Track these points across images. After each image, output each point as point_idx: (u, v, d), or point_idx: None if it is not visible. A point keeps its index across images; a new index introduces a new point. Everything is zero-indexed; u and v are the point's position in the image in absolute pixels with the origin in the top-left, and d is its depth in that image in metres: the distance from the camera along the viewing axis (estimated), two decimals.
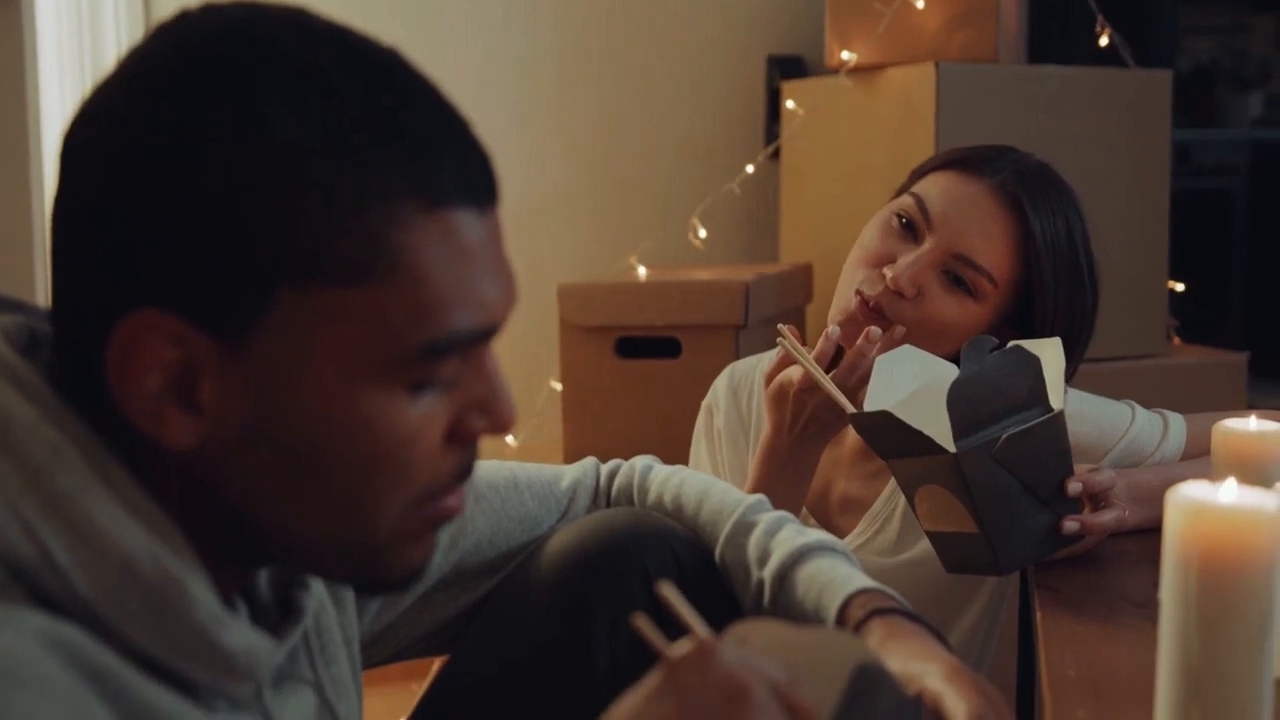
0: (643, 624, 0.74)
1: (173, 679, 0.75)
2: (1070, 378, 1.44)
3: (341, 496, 0.76)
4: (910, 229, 1.46)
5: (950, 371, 1.29)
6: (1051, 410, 1.26)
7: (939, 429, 1.21)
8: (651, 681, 0.73)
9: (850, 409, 1.32)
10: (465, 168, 0.76)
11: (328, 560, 0.80)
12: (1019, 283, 1.45)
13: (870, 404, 1.27)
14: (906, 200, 1.47)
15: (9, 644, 0.66)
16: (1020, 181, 1.45)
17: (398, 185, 0.72)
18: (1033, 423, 1.24)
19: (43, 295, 2.05)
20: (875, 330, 1.38)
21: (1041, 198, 1.45)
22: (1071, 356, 1.42)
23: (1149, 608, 1.17)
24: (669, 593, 0.75)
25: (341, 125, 0.72)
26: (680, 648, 0.72)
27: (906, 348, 1.33)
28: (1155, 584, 1.21)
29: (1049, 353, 1.28)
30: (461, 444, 0.79)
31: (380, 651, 1.10)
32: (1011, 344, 1.27)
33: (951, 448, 1.21)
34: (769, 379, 1.43)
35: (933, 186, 1.47)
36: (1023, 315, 1.46)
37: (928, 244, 1.44)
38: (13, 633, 0.67)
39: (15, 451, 0.72)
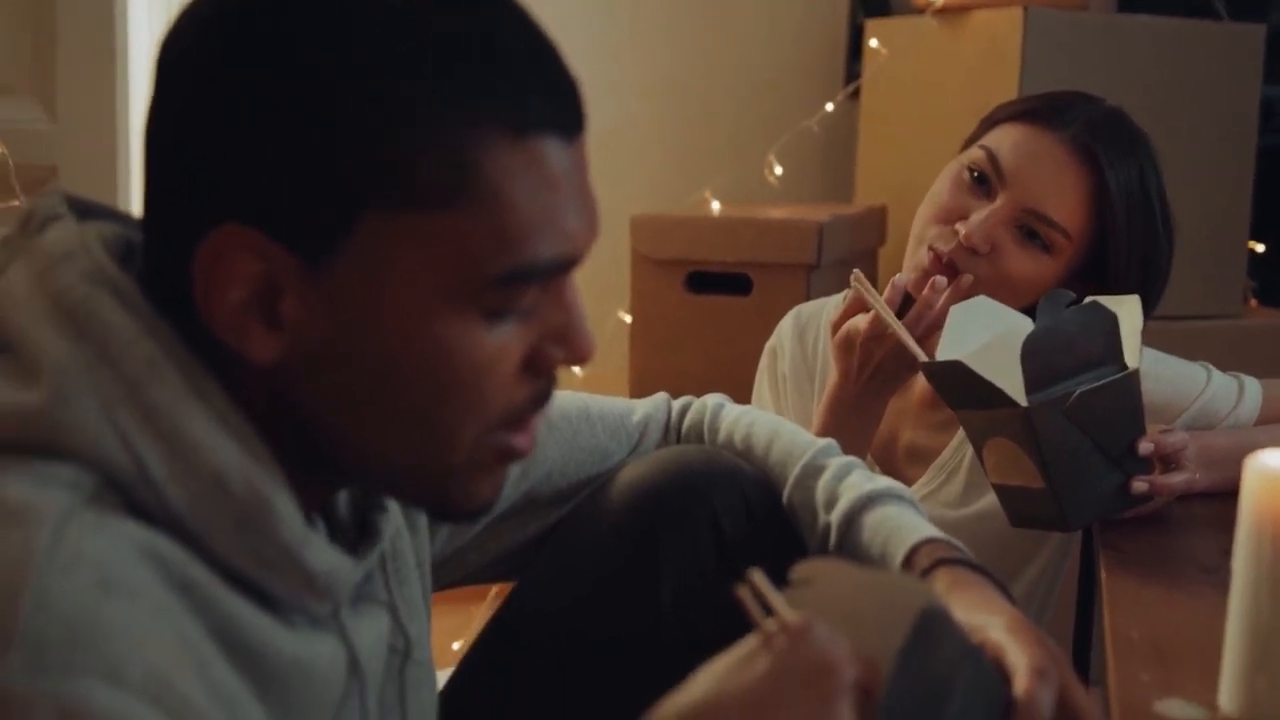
0: (745, 595, 0.75)
1: (256, 593, 0.76)
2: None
3: (416, 419, 0.76)
4: (982, 183, 1.45)
5: (1024, 324, 1.28)
6: (1126, 368, 1.25)
7: (1011, 382, 1.20)
8: (745, 648, 0.75)
9: (923, 357, 1.32)
10: (554, 96, 0.75)
11: (400, 483, 0.81)
12: (1093, 236, 1.44)
13: (943, 353, 1.27)
14: (977, 153, 1.46)
15: (106, 551, 0.68)
16: (1093, 133, 1.43)
17: (486, 109, 0.72)
18: (1107, 380, 1.23)
19: (126, 204, 2.08)
20: (941, 279, 1.37)
21: (1115, 149, 1.43)
22: (1145, 309, 1.41)
23: (1217, 574, 1.16)
24: (759, 580, 0.76)
25: (432, 45, 0.72)
26: (775, 622, 0.74)
27: (981, 299, 1.32)
28: (1224, 550, 1.20)
29: (1126, 310, 1.27)
30: (538, 374, 0.79)
31: (449, 575, 1.11)
32: (1089, 300, 1.26)
33: (1023, 401, 1.20)
34: (835, 326, 1.43)
35: (1005, 139, 1.45)
36: (1096, 268, 1.45)
37: (1001, 199, 1.43)
38: (109, 540, 0.68)
39: (115, 363, 0.73)
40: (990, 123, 1.50)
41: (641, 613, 1.07)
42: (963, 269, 1.41)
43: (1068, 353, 1.23)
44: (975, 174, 1.45)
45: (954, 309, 1.30)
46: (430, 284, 0.73)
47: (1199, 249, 2.34)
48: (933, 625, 0.78)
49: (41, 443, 0.71)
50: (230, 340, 0.74)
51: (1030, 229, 1.42)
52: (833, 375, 1.44)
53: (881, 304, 1.38)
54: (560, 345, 0.79)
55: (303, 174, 0.71)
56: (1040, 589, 1.53)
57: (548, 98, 0.75)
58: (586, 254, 0.79)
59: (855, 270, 1.42)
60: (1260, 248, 2.55)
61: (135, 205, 2.33)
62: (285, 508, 0.76)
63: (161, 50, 0.76)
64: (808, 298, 1.95)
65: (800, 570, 0.82)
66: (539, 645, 1.11)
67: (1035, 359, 1.20)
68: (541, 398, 0.81)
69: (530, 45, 0.76)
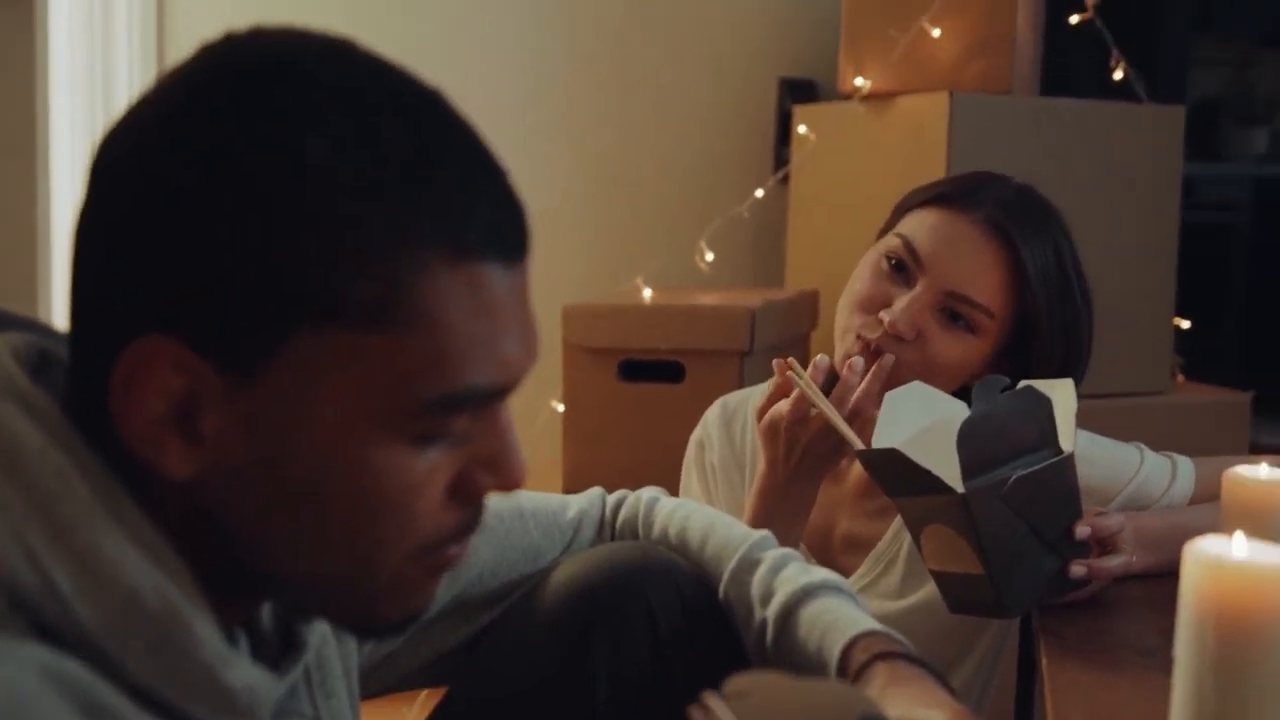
0: (696, 715, 0.75)
1: (170, 715, 0.73)
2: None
3: (341, 540, 0.74)
4: (901, 270, 1.46)
5: (959, 410, 1.28)
6: (1061, 452, 1.25)
7: (948, 468, 1.20)
8: None
9: (856, 441, 1.31)
10: (497, 219, 0.74)
11: (324, 601, 0.79)
12: (1015, 313, 1.45)
13: (878, 440, 1.26)
14: (894, 241, 1.47)
15: (11, 677, 0.65)
16: (1005, 211, 1.45)
17: (426, 231, 0.71)
18: (1042, 465, 1.24)
19: (45, 307, 2.04)
20: (858, 360, 1.38)
21: (1029, 225, 1.45)
22: (1076, 377, 1.43)
23: (1154, 656, 1.16)
24: (714, 703, 0.75)
25: (375, 164, 0.70)
26: None
27: (915, 384, 1.33)
28: (1160, 631, 1.20)
29: (1060, 394, 1.28)
30: (466, 500, 0.78)
31: (379, 681, 1.08)
32: (1023, 384, 1.26)
33: (960, 487, 1.20)
34: (760, 413, 1.43)
35: (919, 225, 1.47)
36: (1020, 345, 1.46)
37: (921, 285, 1.44)
38: (14, 665, 0.66)
39: (22, 477, 0.70)
40: (903, 209, 1.52)
41: (577, 713, 1.05)
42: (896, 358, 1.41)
43: (1003, 438, 1.23)
44: (893, 261, 1.46)
45: (888, 396, 1.30)
46: (357, 406, 0.71)
47: (1126, 327, 2.36)
48: None
49: None
50: (145, 453, 0.71)
51: (953, 311, 1.43)
52: (761, 463, 1.43)
53: (812, 388, 1.38)
54: (490, 472, 0.77)
55: (232, 288, 0.69)
56: (980, 677, 1.52)
57: (490, 222, 0.73)
58: (523, 380, 0.77)
59: (783, 358, 1.42)
60: (1186, 324, 2.58)
61: (55, 308, 2.30)
62: (203, 626, 0.73)
63: (98, 153, 0.74)
64: (741, 384, 1.95)
65: (735, 683, 0.81)
66: None
67: (971, 445, 1.20)
68: (469, 526, 0.79)
69: (475, 166, 0.75)
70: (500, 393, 0.76)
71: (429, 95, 0.75)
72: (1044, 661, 1.17)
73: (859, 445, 1.31)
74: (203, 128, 0.70)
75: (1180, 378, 2.61)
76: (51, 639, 0.69)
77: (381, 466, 0.72)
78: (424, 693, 2.38)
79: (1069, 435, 1.26)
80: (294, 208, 0.69)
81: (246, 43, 0.74)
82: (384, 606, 0.78)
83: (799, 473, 1.41)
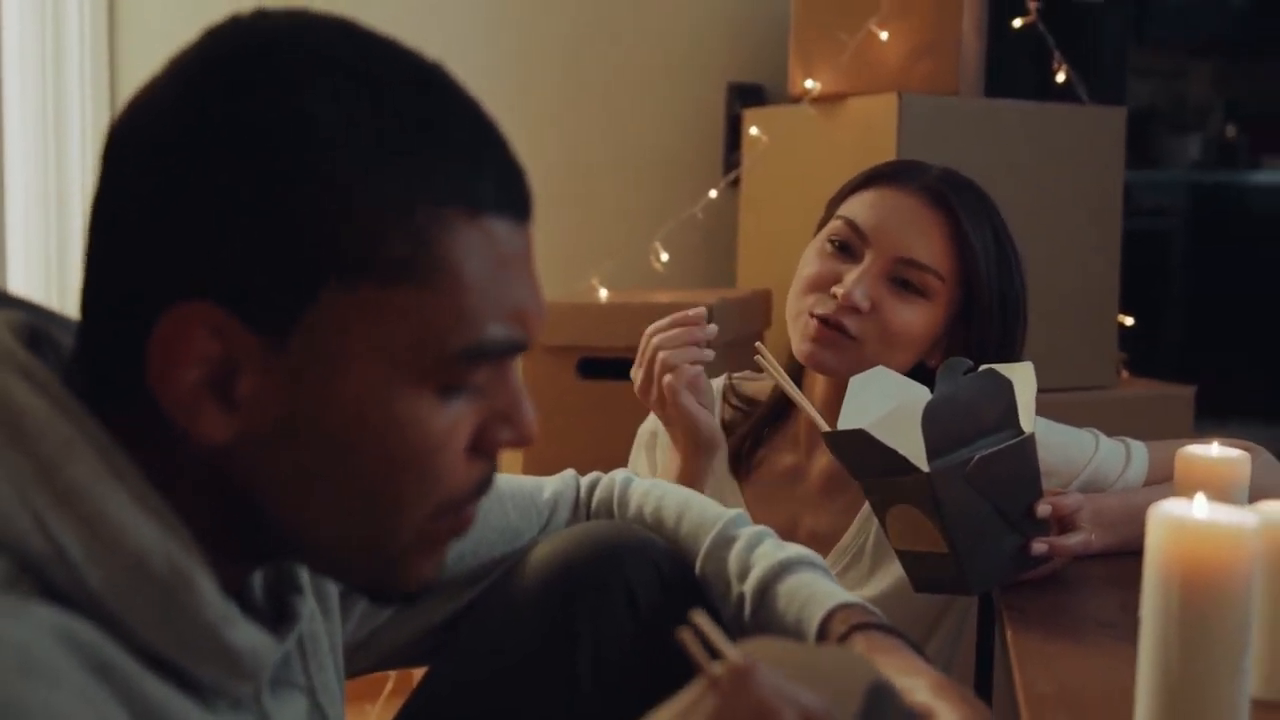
0: (688, 638, 0.75)
1: (177, 676, 0.75)
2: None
3: (367, 497, 0.76)
4: (846, 250, 1.49)
5: (921, 393, 1.31)
6: (1022, 433, 1.28)
7: (913, 449, 1.23)
8: (689, 695, 0.75)
9: (825, 427, 1.34)
10: (505, 179, 0.77)
11: (344, 562, 0.81)
12: (961, 278, 1.48)
13: (844, 423, 1.29)
14: (835, 224, 1.50)
15: (23, 637, 0.66)
16: (942, 182, 1.49)
17: (444, 189, 0.74)
18: (1004, 445, 1.27)
19: (12, 287, 2.02)
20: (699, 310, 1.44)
21: (966, 196, 1.49)
22: (1011, 353, 1.48)
23: (1116, 628, 1.19)
24: (701, 620, 0.77)
25: (391, 128, 0.73)
26: (720, 666, 0.74)
27: (879, 369, 1.35)
28: (1120, 605, 1.24)
29: (1020, 376, 1.31)
30: (484, 455, 0.80)
31: (362, 659, 1.10)
32: (984, 367, 1.29)
33: (925, 467, 1.23)
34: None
35: (859, 205, 1.50)
36: (964, 312, 1.49)
37: (868, 258, 1.47)
38: (26, 626, 0.67)
39: (28, 444, 0.72)
40: (837, 201, 1.55)
41: (560, 687, 1.07)
42: (853, 330, 1.45)
43: (966, 419, 1.26)
44: (837, 243, 1.49)
45: (853, 380, 1.32)
46: (387, 358, 0.74)
47: (1072, 324, 2.41)
48: (883, 696, 0.81)
49: None
50: (181, 420, 0.73)
51: (903, 279, 1.46)
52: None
53: (781, 374, 1.41)
54: (506, 426, 0.80)
55: (264, 252, 0.71)
56: (939, 661, 1.55)
57: (500, 181, 0.77)
58: (535, 341, 0.80)
59: (758, 344, 1.45)
60: (1129, 321, 2.64)
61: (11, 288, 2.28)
62: (207, 587, 0.75)
63: (112, 134, 0.76)
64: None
65: (742, 647, 0.83)
66: None
67: (935, 426, 1.23)
68: (487, 481, 0.82)
69: (482, 130, 0.78)
70: (517, 347, 0.78)
71: (432, 66, 0.78)
72: (1008, 634, 1.19)
73: (825, 427, 1.34)
74: (221, 100, 0.72)
75: (1125, 373, 2.66)
76: (60, 600, 0.70)
77: (409, 419, 0.75)
78: (388, 687, 2.40)
79: (1029, 417, 1.29)
80: (316, 172, 0.71)
81: (254, 21, 0.76)
82: (401, 569, 0.80)
83: (687, 449, 1.46)
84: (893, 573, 1.48)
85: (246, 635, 0.77)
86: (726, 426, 1.60)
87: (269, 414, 0.74)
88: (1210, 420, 2.70)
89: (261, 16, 0.76)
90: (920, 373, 1.43)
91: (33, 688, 0.64)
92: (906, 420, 1.26)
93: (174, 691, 0.74)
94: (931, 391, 1.28)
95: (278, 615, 0.88)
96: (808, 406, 1.38)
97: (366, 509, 0.77)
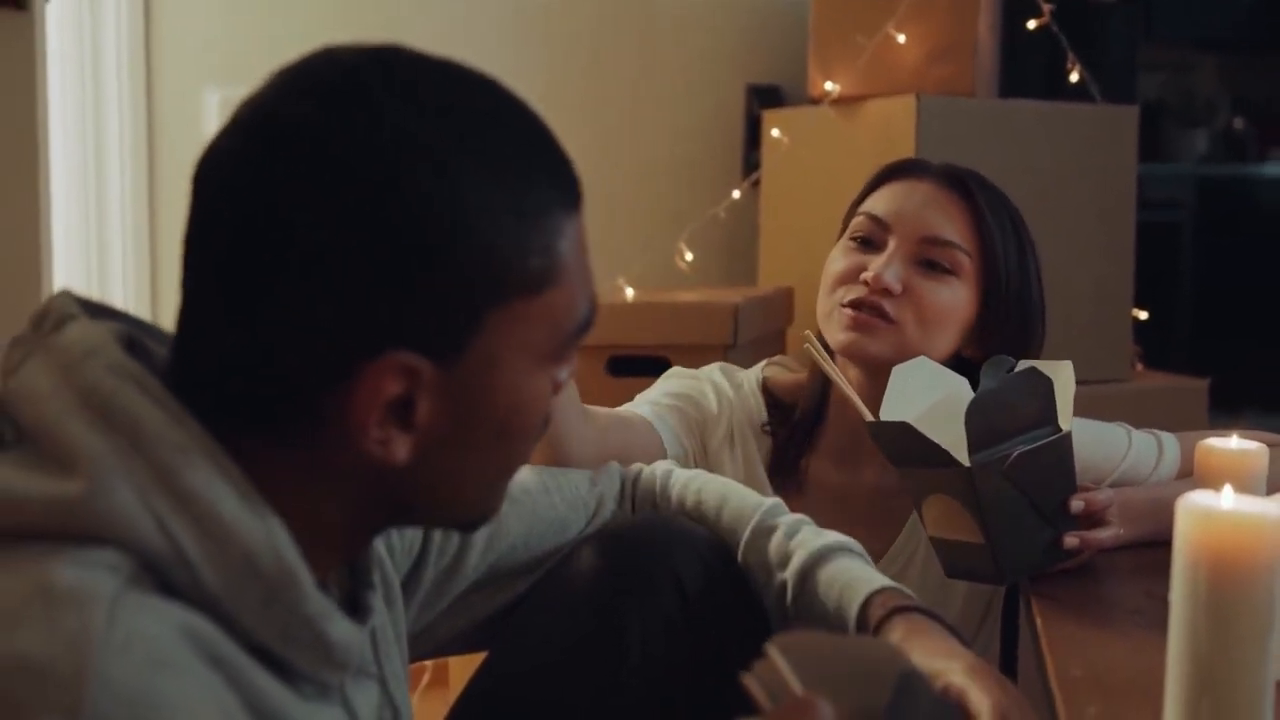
0: (751, 682, 0.80)
1: (277, 666, 0.80)
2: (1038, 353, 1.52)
3: (505, 458, 0.87)
4: (870, 244, 1.51)
5: (959, 383, 1.35)
6: (1060, 430, 1.32)
7: (954, 442, 1.27)
8: None
9: (869, 416, 1.38)
10: (569, 172, 0.85)
11: (463, 512, 0.89)
12: (983, 255, 1.50)
13: (886, 413, 1.34)
14: (856, 221, 1.53)
15: (154, 630, 0.71)
16: (956, 170, 1.53)
17: (553, 197, 0.82)
18: (1042, 442, 1.30)
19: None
20: None
21: (980, 181, 1.53)
22: (1029, 342, 1.51)
23: (1144, 615, 1.23)
24: (775, 654, 0.81)
25: (506, 150, 0.80)
26: (782, 710, 0.77)
27: (920, 359, 1.39)
28: (1146, 593, 1.28)
29: (1061, 375, 1.35)
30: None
31: (420, 648, 1.15)
32: (1026, 364, 1.33)
33: (966, 461, 1.26)
34: None
35: (877, 201, 1.53)
36: (987, 296, 1.51)
37: (893, 243, 1.49)
38: (155, 620, 0.72)
39: (146, 451, 0.76)
40: (855, 205, 1.58)
41: (609, 676, 1.12)
42: (892, 314, 1.46)
43: (1007, 415, 1.29)
44: (860, 238, 1.52)
45: (896, 370, 1.36)
46: (531, 351, 0.82)
47: (1088, 318, 2.45)
48: (912, 685, 0.84)
49: (82, 529, 0.74)
50: (375, 452, 0.79)
51: (930, 260, 1.48)
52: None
53: (831, 366, 1.44)
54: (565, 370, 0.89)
55: (440, 296, 0.78)
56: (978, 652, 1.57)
57: (569, 176, 0.84)
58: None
59: (807, 332, 1.48)
60: (1144, 315, 2.67)
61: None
62: (308, 583, 0.80)
63: (210, 185, 0.79)
64: None
65: (780, 640, 0.86)
66: (515, 713, 1.14)
67: (977, 421, 1.27)
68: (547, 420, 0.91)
69: (544, 130, 0.85)
70: (594, 319, 0.88)
71: (496, 82, 0.84)
72: (1039, 621, 1.23)
73: (869, 417, 1.38)
74: (367, 179, 0.76)
75: (1140, 366, 2.69)
76: (176, 597, 0.75)
77: (540, 393, 0.85)
78: (424, 680, 2.44)
79: (1067, 414, 1.33)
80: (467, 212, 0.77)
81: (346, 66, 0.80)
82: (487, 507, 0.90)
83: None
84: (934, 591, 1.50)
85: (342, 628, 0.82)
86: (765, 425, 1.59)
87: (441, 425, 0.80)
88: (1224, 412, 2.73)
89: (339, 63, 0.80)
90: (956, 364, 1.46)
91: (162, 679, 0.70)
92: (948, 413, 1.30)
93: (273, 680, 0.79)
94: (969, 381, 1.31)
95: (349, 609, 0.93)
96: (854, 396, 1.41)
97: (502, 467, 0.87)
